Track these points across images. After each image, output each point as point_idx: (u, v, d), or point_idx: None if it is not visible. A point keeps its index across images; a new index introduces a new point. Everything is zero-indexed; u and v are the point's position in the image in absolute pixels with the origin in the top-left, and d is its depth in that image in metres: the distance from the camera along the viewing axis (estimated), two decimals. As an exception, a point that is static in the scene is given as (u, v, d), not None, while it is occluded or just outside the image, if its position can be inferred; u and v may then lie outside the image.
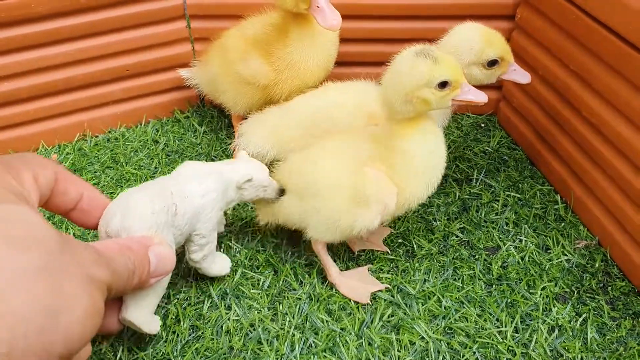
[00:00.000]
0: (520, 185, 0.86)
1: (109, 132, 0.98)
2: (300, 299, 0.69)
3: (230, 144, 0.93)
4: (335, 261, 0.71)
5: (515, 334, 0.65)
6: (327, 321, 0.66)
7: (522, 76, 0.73)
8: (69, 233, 0.76)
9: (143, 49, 0.94)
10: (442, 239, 0.77)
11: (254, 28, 0.84)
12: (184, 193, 0.62)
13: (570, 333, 0.65)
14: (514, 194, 0.84)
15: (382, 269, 0.73)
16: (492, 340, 0.64)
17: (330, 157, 0.66)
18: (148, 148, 0.94)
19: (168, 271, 0.57)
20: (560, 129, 0.82)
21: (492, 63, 0.71)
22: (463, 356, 0.62)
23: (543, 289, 0.70)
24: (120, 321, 0.58)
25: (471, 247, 0.76)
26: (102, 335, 0.63)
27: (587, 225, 0.78)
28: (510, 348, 0.63)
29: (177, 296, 0.69)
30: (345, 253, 0.75)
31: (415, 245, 0.75)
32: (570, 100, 0.79)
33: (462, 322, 0.66)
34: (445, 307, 0.67)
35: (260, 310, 0.67)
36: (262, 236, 0.77)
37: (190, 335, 0.65)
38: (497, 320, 0.66)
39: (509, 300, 0.68)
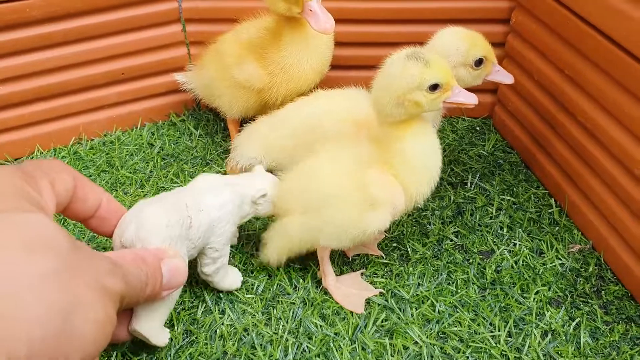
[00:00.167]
0: (514, 189, 0.86)
1: (105, 135, 0.98)
2: (294, 303, 0.69)
3: (225, 147, 0.93)
4: (329, 265, 0.72)
5: (509, 339, 0.65)
6: (320, 326, 0.66)
7: (506, 77, 0.75)
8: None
9: (138, 53, 0.94)
10: (436, 243, 0.77)
11: (249, 32, 0.84)
12: (199, 206, 0.62)
13: (564, 337, 0.65)
14: (509, 198, 0.84)
15: (376, 274, 0.73)
16: (486, 344, 0.64)
17: (330, 165, 0.65)
18: (143, 152, 0.94)
19: (180, 284, 0.57)
20: (555, 133, 0.82)
21: (479, 62, 0.71)
22: (456, 361, 0.62)
23: (537, 293, 0.70)
24: (130, 332, 0.58)
25: (465, 251, 0.76)
26: (110, 344, 0.63)
27: (582, 229, 0.78)
28: (503, 352, 0.63)
29: (171, 301, 0.69)
30: (340, 257, 0.75)
31: (409, 249, 0.75)
32: (565, 104, 0.79)
33: (456, 326, 0.66)
34: (439, 312, 0.67)
35: (254, 314, 0.67)
36: (257, 240, 0.77)
37: (184, 340, 0.65)
38: (490, 324, 0.66)
39: (502, 305, 0.69)
